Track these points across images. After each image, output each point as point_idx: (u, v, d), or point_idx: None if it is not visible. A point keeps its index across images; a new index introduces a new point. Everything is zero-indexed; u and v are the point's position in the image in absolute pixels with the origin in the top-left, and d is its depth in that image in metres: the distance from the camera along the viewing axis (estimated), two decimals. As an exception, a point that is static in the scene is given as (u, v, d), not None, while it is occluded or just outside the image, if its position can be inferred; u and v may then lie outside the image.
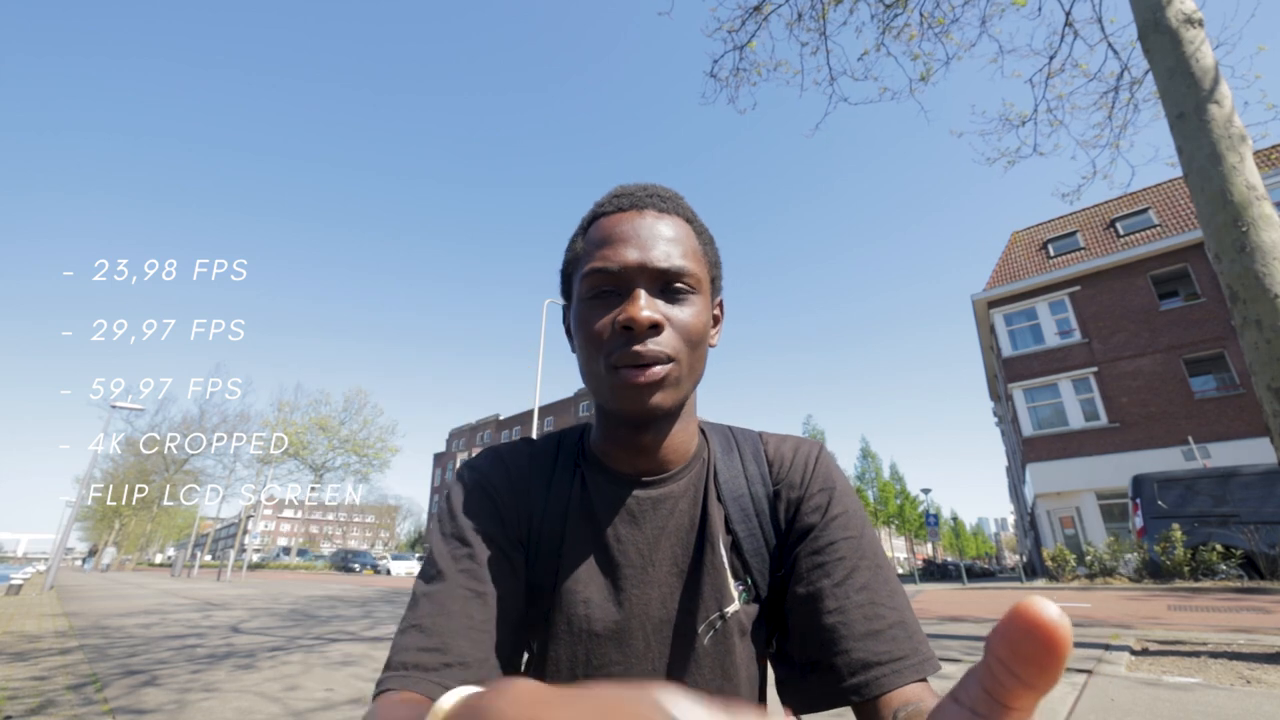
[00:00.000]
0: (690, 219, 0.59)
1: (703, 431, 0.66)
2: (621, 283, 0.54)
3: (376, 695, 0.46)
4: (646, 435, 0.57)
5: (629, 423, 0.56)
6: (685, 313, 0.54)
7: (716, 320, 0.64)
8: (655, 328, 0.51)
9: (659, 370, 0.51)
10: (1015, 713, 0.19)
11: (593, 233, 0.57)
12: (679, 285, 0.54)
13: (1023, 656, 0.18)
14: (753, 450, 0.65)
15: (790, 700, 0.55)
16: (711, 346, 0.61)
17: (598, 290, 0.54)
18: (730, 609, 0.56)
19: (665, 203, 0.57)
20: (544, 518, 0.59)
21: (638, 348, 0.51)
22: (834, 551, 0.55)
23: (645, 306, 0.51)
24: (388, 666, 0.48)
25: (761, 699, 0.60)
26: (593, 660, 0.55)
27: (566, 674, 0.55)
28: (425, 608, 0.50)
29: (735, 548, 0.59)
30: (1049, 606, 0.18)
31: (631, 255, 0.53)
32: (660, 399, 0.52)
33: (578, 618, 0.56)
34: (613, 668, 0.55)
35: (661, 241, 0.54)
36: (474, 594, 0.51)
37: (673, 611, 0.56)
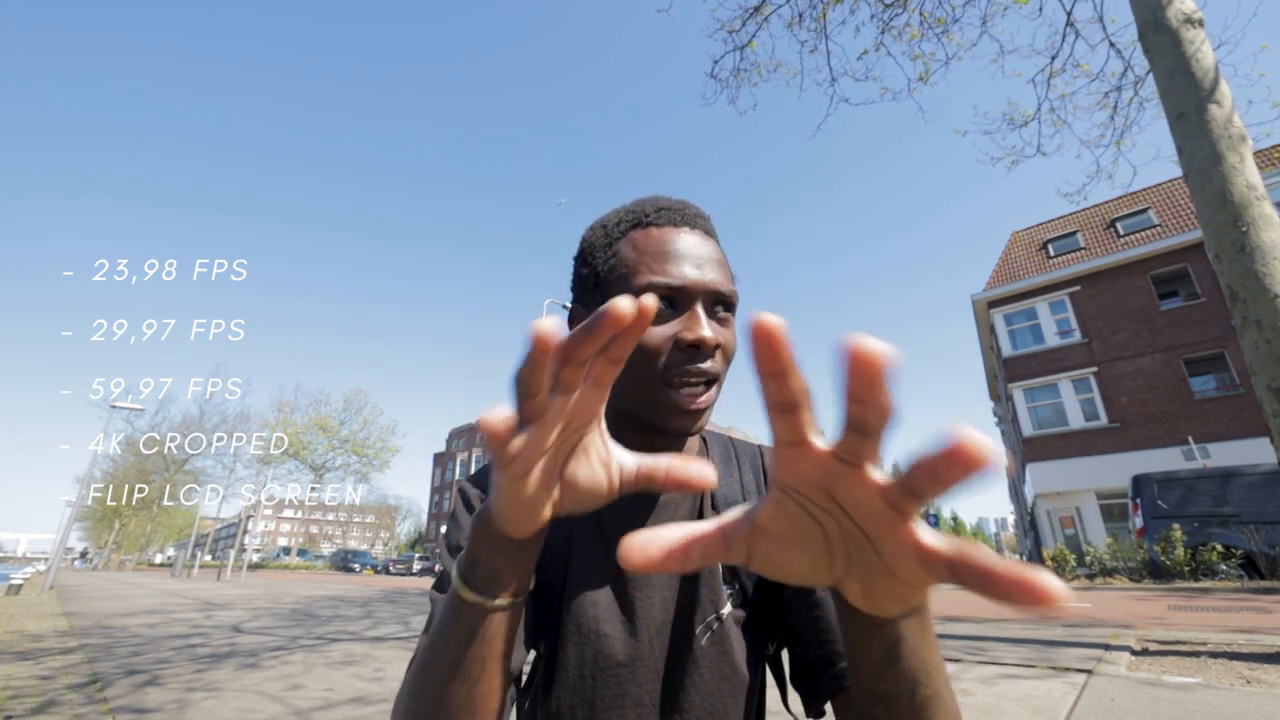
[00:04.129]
0: (718, 241, 0.62)
1: (704, 439, 0.69)
2: (680, 299, 0.55)
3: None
4: (660, 443, 0.58)
5: (660, 434, 0.56)
6: (729, 336, 0.57)
7: None
8: (717, 349, 0.54)
9: (713, 394, 0.54)
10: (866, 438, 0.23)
11: (644, 244, 0.57)
12: (726, 308, 0.57)
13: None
14: (751, 461, 0.67)
15: (791, 699, 0.57)
16: None
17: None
18: (725, 611, 0.58)
19: (705, 221, 0.60)
20: (550, 524, 0.60)
21: (701, 366, 0.53)
22: None
23: (705, 325, 0.54)
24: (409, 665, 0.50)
25: (759, 703, 0.62)
26: (599, 661, 0.56)
27: (574, 673, 0.56)
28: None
29: None
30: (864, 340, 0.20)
31: (693, 273, 0.55)
32: (704, 420, 0.55)
33: (586, 619, 0.57)
34: (618, 669, 0.56)
35: (714, 264, 0.57)
36: None
37: (672, 613, 0.58)
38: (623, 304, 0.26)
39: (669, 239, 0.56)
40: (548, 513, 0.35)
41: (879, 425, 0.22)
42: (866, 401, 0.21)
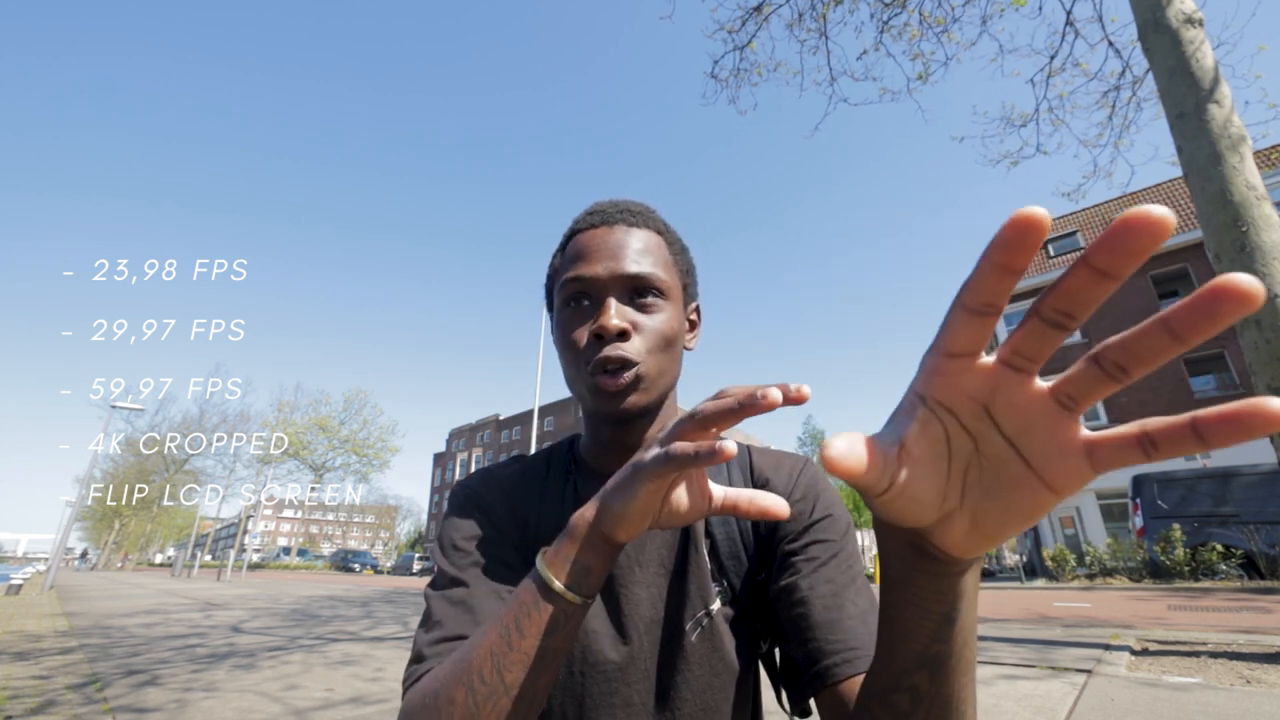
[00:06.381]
0: (661, 231, 0.64)
1: None
2: (594, 293, 0.58)
3: (414, 683, 0.47)
4: (629, 433, 0.61)
5: (609, 422, 0.60)
6: (654, 319, 0.58)
7: (694, 325, 0.68)
8: (623, 335, 0.56)
9: (628, 375, 0.55)
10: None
11: (569, 249, 0.62)
12: (648, 293, 0.59)
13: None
14: (739, 462, 0.68)
15: (784, 697, 0.57)
16: (688, 349, 0.66)
17: (573, 301, 0.59)
18: (714, 607, 0.59)
19: (635, 217, 0.62)
20: (539, 524, 0.62)
21: (608, 353, 0.55)
22: (808, 552, 0.57)
23: (614, 315, 0.56)
24: (415, 660, 0.50)
25: (751, 700, 0.62)
26: (588, 658, 0.56)
27: (564, 671, 0.57)
28: (441, 607, 0.54)
29: (713, 550, 0.61)
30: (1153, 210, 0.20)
31: (602, 267, 0.58)
32: (633, 400, 0.56)
33: None
34: (607, 666, 0.56)
35: (631, 253, 0.59)
36: (487, 591, 0.55)
37: (661, 611, 0.58)
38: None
39: (587, 241, 0.60)
40: (649, 523, 0.41)
41: (1080, 316, 0.22)
42: (1107, 269, 0.21)
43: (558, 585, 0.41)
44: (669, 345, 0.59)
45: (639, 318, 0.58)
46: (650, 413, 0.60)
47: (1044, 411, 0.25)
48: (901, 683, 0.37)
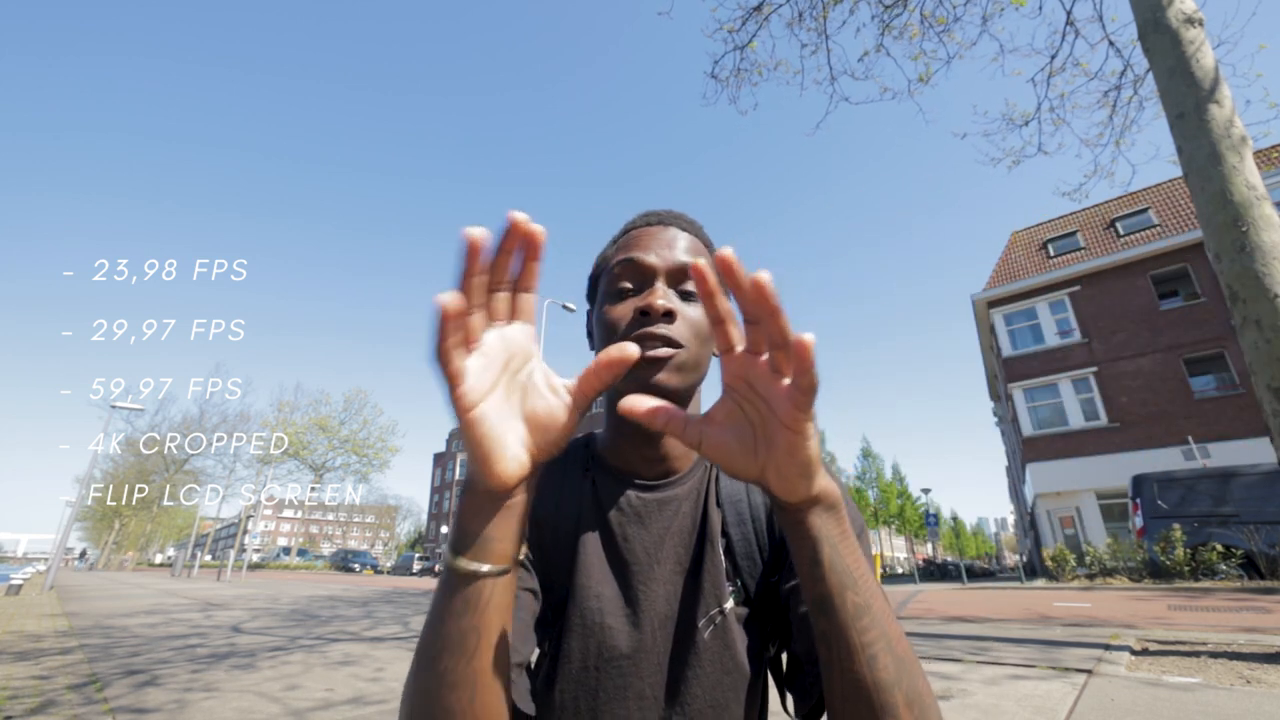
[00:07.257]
0: (708, 243, 0.67)
1: None
2: (642, 278, 0.60)
3: None
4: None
5: None
6: (696, 310, 0.60)
7: None
8: (669, 315, 0.57)
9: (667, 350, 0.56)
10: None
11: (621, 241, 0.65)
12: (692, 287, 0.60)
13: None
14: None
15: (790, 702, 0.58)
16: (715, 354, 0.65)
17: (620, 285, 0.61)
18: (728, 606, 0.59)
19: (687, 224, 0.66)
20: (556, 519, 0.63)
21: (651, 329, 0.56)
22: None
23: (661, 295, 0.57)
24: None
25: (760, 699, 0.62)
26: (603, 653, 0.57)
27: (578, 664, 0.57)
28: None
29: (729, 550, 0.62)
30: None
31: (654, 255, 0.61)
32: (666, 377, 0.56)
33: (591, 611, 0.58)
34: (621, 660, 0.57)
35: (680, 249, 0.62)
36: None
37: (676, 608, 0.59)
38: (516, 213, 0.34)
39: (641, 233, 0.64)
40: (524, 455, 0.38)
41: (760, 315, 0.33)
42: (751, 303, 0.33)
43: (458, 562, 0.38)
44: (706, 339, 0.60)
45: (683, 306, 0.59)
46: (677, 399, 0.59)
47: (768, 375, 0.35)
48: (817, 629, 0.42)
